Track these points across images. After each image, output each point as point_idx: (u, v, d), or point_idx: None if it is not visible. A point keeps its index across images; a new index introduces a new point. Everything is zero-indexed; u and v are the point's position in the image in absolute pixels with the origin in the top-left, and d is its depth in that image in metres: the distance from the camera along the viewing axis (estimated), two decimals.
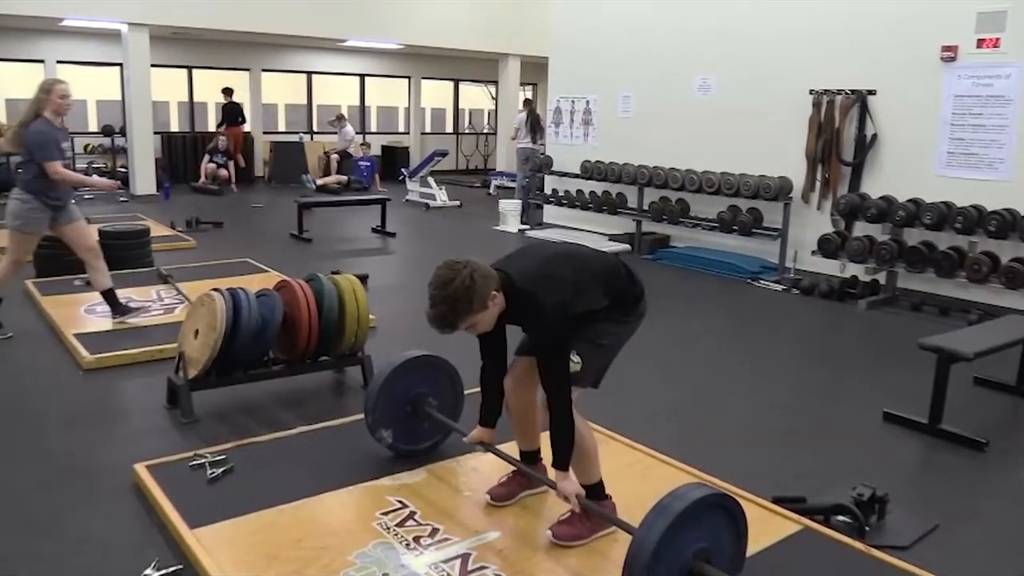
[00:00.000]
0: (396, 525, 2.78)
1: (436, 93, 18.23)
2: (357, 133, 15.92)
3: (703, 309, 6.58)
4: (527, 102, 13.78)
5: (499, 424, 2.92)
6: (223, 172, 13.16)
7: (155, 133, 12.61)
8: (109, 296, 5.18)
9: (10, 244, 4.99)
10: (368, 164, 14.08)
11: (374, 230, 9.58)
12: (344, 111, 16.86)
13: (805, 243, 7.37)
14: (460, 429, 3.14)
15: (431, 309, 2.44)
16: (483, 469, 3.22)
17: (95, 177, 5.06)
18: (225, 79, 15.32)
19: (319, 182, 13.60)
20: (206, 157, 13.08)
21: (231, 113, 13.83)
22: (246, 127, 15.35)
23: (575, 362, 2.56)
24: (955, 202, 6.30)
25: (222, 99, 13.95)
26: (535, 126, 11.65)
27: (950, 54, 6.54)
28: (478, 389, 2.92)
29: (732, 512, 2.29)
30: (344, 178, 13.70)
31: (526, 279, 2.54)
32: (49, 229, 5.03)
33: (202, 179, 12.94)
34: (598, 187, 9.47)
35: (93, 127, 14.11)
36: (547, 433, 2.72)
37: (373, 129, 17.39)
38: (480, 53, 14.95)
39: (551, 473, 2.65)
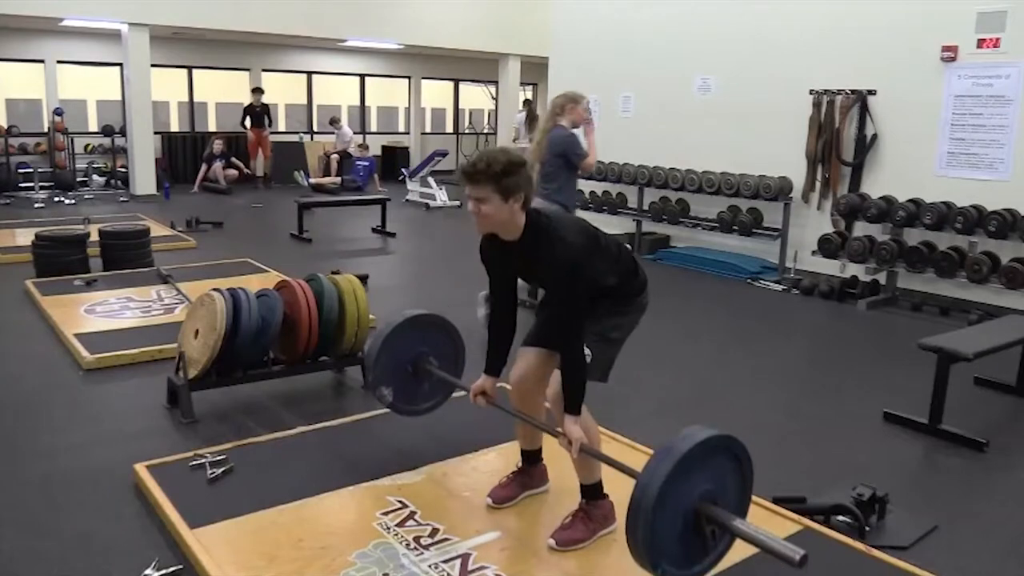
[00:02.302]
0: (396, 525, 2.78)
1: (436, 93, 18.23)
2: (356, 133, 15.93)
3: (703, 309, 6.58)
4: (527, 102, 13.81)
5: (500, 421, 2.92)
6: (231, 172, 13.18)
7: (155, 133, 12.61)
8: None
9: None
10: (366, 164, 14.08)
11: (374, 230, 9.58)
12: (344, 111, 16.89)
13: (805, 243, 7.37)
14: (461, 384, 3.12)
15: (469, 159, 2.52)
16: (483, 469, 3.22)
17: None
18: (225, 79, 15.33)
19: (313, 181, 13.61)
20: (204, 166, 12.98)
21: (257, 114, 13.56)
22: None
23: (586, 355, 2.55)
24: (955, 202, 6.30)
25: (250, 99, 13.68)
26: (534, 126, 11.65)
27: (950, 54, 6.54)
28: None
29: (738, 456, 2.23)
30: (339, 179, 13.70)
31: (548, 216, 2.57)
32: None
33: (199, 181, 12.90)
34: (598, 187, 9.46)
35: (93, 127, 14.10)
36: (547, 433, 2.72)
37: (373, 129, 17.38)
38: (480, 53, 14.95)
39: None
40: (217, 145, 13.07)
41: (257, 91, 13.64)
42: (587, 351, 2.56)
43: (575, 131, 5.12)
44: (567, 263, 2.47)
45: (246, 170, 13.53)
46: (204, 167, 12.96)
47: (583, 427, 2.61)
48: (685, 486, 2.09)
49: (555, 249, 2.48)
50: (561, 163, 5.03)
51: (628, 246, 2.80)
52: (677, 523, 2.10)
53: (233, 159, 13.26)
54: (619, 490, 2.82)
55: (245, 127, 13.62)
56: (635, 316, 2.75)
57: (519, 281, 2.84)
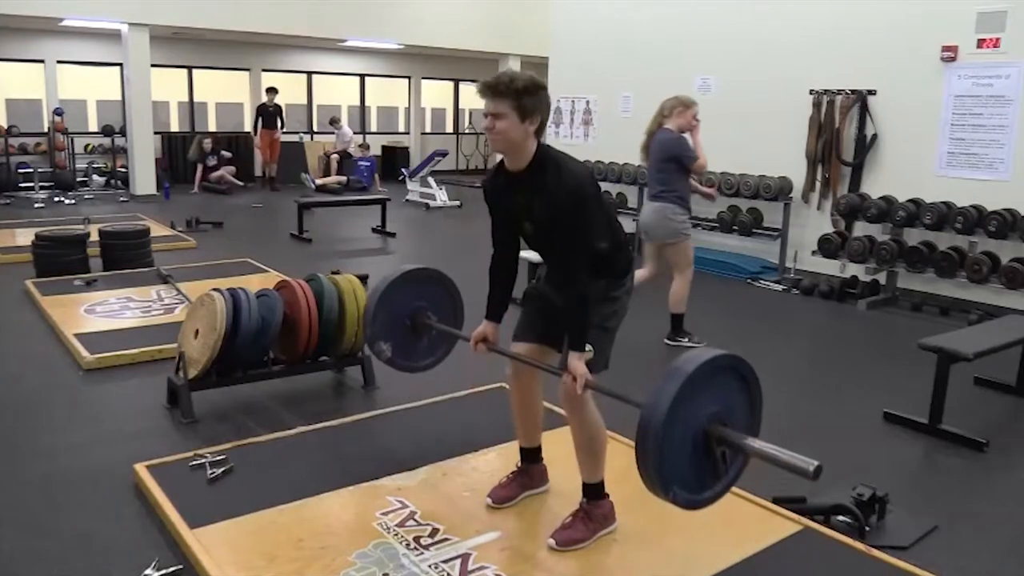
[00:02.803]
0: (396, 525, 2.78)
1: (436, 93, 18.23)
2: (356, 133, 15.93)
3: (703, 309, 6.57)
4: None
5: (500, 421, 2.92)
6: (232, 167, 13.21)
7: (155, 133, 12.61)
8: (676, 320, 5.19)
9: (678, 256, 5.15)
10: (368, 164, 14.09)
11: (374, 230, 9.58)
12: (344, 111, 16.89)
13: (805, 243, 7.37)
14: (461, 334, 3.10)
15: (492, 75, 2.50)
16: (483, 469, 3.22)
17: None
18: (225, 79, 15.33)
19: (318, 182, 13.61)
20: (200, 167, 12.95)
21: (270, 115, 13.23)
22: (247, 127, 15.39)
23: (588, 350, 2.53)
24: (955, 202, 6.30)
25: (265, 98, 13.35)
26: None
27: (950, 54, 6.53)
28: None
29: (745, 376, 2.20)
30: (343, 178, 13.71)
31: (556, 152, 2.54)
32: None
33: (198, 181, 12.90)
34: None
35: (93, 127, 14.11)
36: (549, 431, 2.71)
37: (373, 129, 17.39)
38: (480, 53, 14.95)
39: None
40: (207, 144, 13.04)
41: (271, 91, 13.28)
42: (588, 347, 2.54)
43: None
44: (574, 188, 2.43)
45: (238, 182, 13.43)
46: (200, 167, 12.96)
47: (595, 430, 2.62)
48: (693, 408, 2.05)
49: (561, 175, 2.44)
50: (673, 167, 5.04)
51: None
52: (687, 446, 2.07)
53: (223, 152, 13.23)
54: (619, 490, 2.82)
55: (256, 128, 13.33)
56: (624, 300, 2.70)
57: (513, 284, 2.82)
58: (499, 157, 2.61)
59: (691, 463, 2.10)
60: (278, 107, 13.32)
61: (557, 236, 2.51)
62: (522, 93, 2.42)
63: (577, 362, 2.48)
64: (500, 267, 2.80)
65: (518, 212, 2.60)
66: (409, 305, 3.16)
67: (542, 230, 2.58)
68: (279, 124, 13.35)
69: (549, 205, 2.47)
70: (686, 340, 5.11)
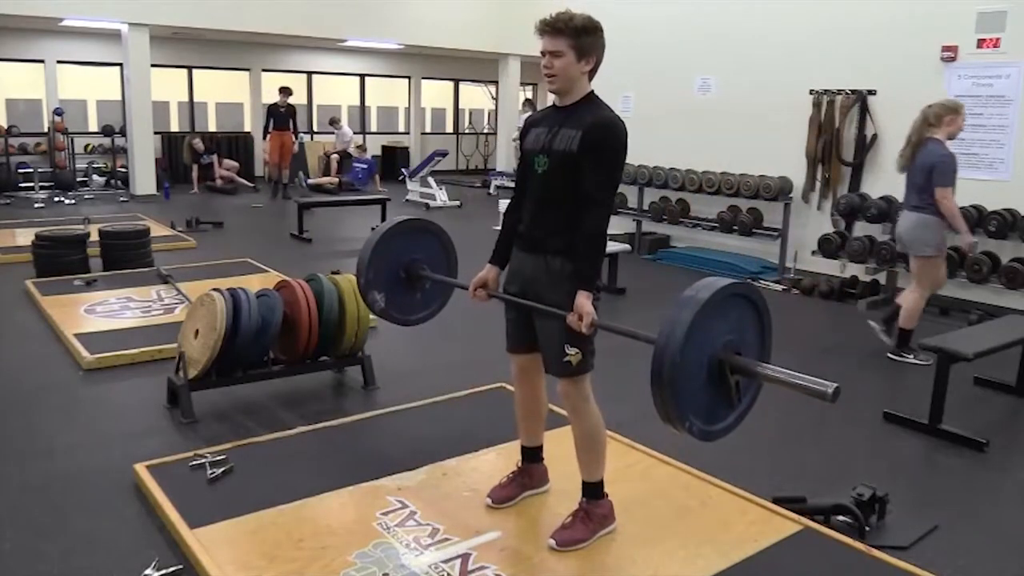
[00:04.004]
0: (396, 525, 2.78)
1: (436, 93, 18.23)
2: (356, 133, 15.93)
3: None
4: (529, 102, 13.79)
5: (500, 421, 2.92)
6: (232, 163, 13.19)
7: (155, 133, 12.61)
8: (903, 334, 5.01)
9: (923, 271, 4.93)
10: (364, 166, 14.05)
11: (374, 230, 9.56)
12: (344, 111, 16.89)
13: (805, 243, 7.37)
14: (458, 282, 3.08)
15: (550, 14, 2.51)
16: (483, 469, 3.22)
17: (963, 223, 4.90)
18: (225, 79, 15.33)
19: (311, 181, 13.61)
20: (195, 167, 12.94)
21: (282, 116, 12.14)
22: (247, 127, 15.38)
23: (574, 353, 2.54)
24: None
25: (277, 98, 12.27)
26: None
27: (950, 54, 6.53)
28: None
29: (756, 304, 2.19)
30: (336, 179, 13.70)
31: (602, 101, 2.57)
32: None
33: (197, 181, 12.91)
34: None
35: (93, 127, 14.11)
36: (551, 430, 2.71)
37: (373, 129, 17.39)
38: (480, 53, 14.95)
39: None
40: (197, 144, 13.01)
41: (285, 91, 12.20)
42: (572, 350, 2.53)
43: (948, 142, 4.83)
44: (610, 124, 2.46)
45: (226, 173, 13.31)
46: (196, 168, 12.96)
47: (596, 430, 2.62)
48: (707, 336, 2.04)
49: (603, 112, 2.49)
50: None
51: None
52: (701, 374, 2.06)
53: (215, 156, 13.21)
54: (619, 490, 2.82)
55: (265, 130, 12.24)
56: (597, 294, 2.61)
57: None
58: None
59: (706, 392, 2.08)
60: (291, 108, 12.24)
61: (585, 168, 2.46)
62: (581, 32, 2.46)
63: (584, 300, 2.45)
64: (517, 212, 2.74)
65: (549, 140, 2.55)
66: (404, 256, 3.12)
67: (566, 160, 2.50)
68: (292, 126, 12.23)
69: (585, 137, 2.45)
70: (911, 357, 4.95)
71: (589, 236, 2.49)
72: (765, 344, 2.23)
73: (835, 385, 1.96)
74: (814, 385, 2.00)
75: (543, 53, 2.50)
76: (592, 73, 2.54)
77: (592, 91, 2.57)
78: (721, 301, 2.06)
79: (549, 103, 2.74)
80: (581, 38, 2.46)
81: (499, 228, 2.83)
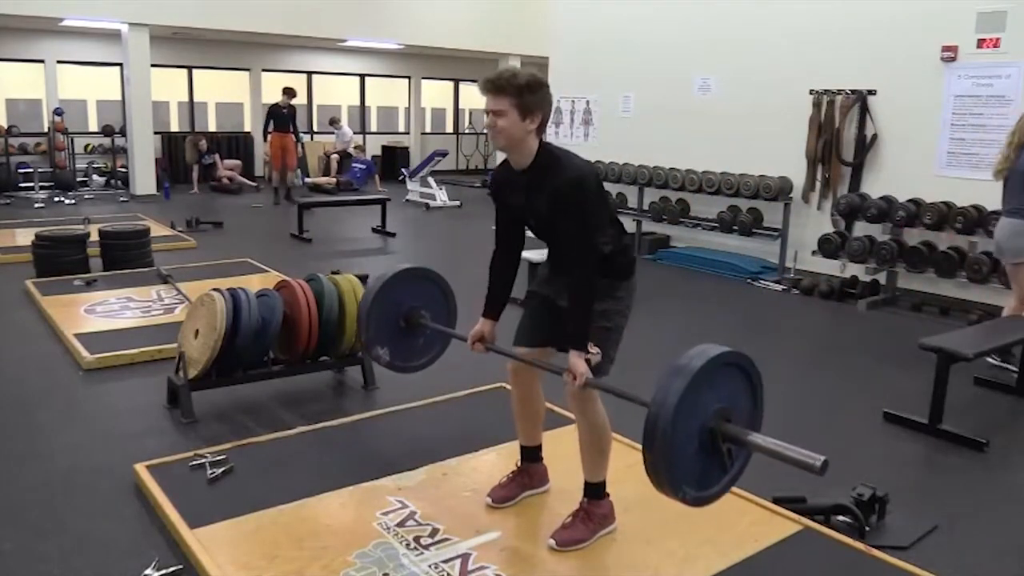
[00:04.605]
0: (396, 525, 2.78)
1: (436, 93, 18.23)
2: (356, 133, 15.93)
3: (703, 309, 6.58)
4: None
5: (500, 421, 2.92)
6: (235, 162, 13.20)
7: (155, 133, 12.61)
8: None
9: (1020, 279, 4.81)
10: (363, 167, 14.05)
11: (374, 230, 9.58)
12: (344, 111, 16.89)
13: (805, 243, 7.37)
14: (457, 334, 3.10)
15: (493, 71, 2.48)
16: (483, 469, 3.22)
17: None
18: (225, 79, 15.33)
19: (310, 180, 13.61)
20: (196, 167, 12.97)
21: (283, 117, 11.65)
22: (247, 127, 15.36)
23: (594, 353, 2.52)
24: (955, 202, 6.29)
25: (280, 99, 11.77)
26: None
27: (950, 54, 6.53)
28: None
29: (747, 371, 2.21)
30: (334, 180, 13.71)
31: (559, 148, 2.56)
32: None
33: (197, 181, 12.91)
34: None
35: (93, 127, 14.11)
36: (550, 431, 2.71)
37: (373, 129, 17.39)
38: (480, 53, 14.95)
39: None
40: (201, 144, 13.03)
41: (289, 91, 11.69)
42: (593, 348, 2.53)
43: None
44: (576, 180, 2.44)
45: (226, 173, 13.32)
46: (197, 167, 12.96)
47: (602, 431, 2.61)
48: (699, 404, 2.06)
49: (564, 169, 2.46)
50: None
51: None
52: (693, 443, 2.07)
53: (217, 156, 13.21)
54: (620, 490, 2.82)
55: (266, 131, 11.78)
56: (627, 300, 2.67)
57: (523, 229, 2.79)
58: (502, 155, 2.61)
59: (698, 460, 2.10)
60: (293, 109, 11.74)
61: (561, 229, 2.51)
62: (524, 90, 2.42)
63: (577, 359, 2.47)
64: (501, 264, 2.80)
65: (523, 208, 2.61)
66: (402, 305, 3.14)
67: (547, 224, 2.59)
68: (292, 128, 11.75)
69: (552, 199, 2.47)
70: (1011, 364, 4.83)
71: (575, 297, 2.49)
72: (757, 409, 2.25)
73: (823, 458, 1.98)
74: (803, 457, 2.02)
75: (486, 111, 2.49)
76: (540, 129, 2.49)
77: (544, 144, 2.52)
78: (712, 369, 2.09)
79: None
80: (524, 96, 2.42)
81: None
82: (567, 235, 2.49)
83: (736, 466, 2.19)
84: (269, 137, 11.77)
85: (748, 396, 2.22)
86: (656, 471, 2.05)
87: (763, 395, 2.25)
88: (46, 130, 12.84)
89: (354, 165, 14.10)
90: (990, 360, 4.85)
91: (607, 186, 9.27)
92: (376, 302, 3.07)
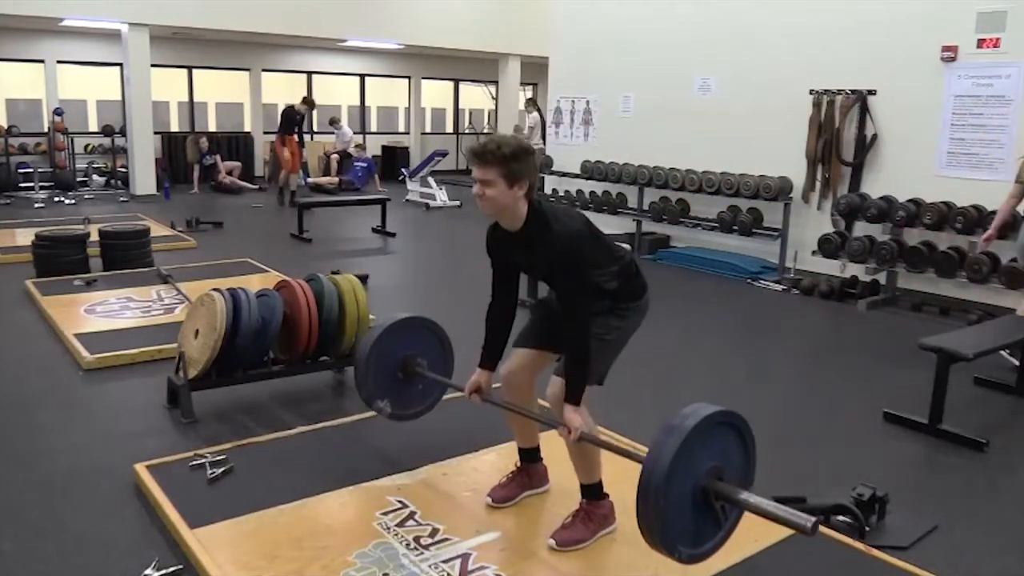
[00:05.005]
0: (396, 525, 2.78)
1: (436, 93, 18.23)
2: (356, 133, 15.93)
3: (703, 309, 6.58)
4: (531, 102, 13.77)
5: (500, 421, 2.92)
6: (234, 164, 13.20)
7: (155, 133, 12.61)
8: None
9: None
10: (364, 165, 14.07)
11: (374, 230, 9.58)
12: (344, 111, 16.89)
13: (805, 243, 7.37)
14: (453, 384, 3.12)
15: (479, 141, 2.51)
16: (483, 469, 3.23)
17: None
18: (225, 79, 15.33)
19: (311, 180, 13.62)
20: (197, 167, 12.97)
21: (295, 122, 11.37)
22: (247, 127, 15.35)
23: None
24: (955, 202, 6.29)
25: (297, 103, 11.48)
26: (543, 126, 11.66)
27: (950, 54, 6.53)
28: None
29: (739, 429, 2.24)
30: (336, 179, 13.72)
31: (549, 207, 2.61)
32: None
33: (197, 181, 12.91)
34: (598, 187, 9.46)
35: (93, 127, 14.11)
36: (546, 431, 2.71)
37: (373, 129, 17.39)
38: (480, 53, 14.96)
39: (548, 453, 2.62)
40: (203, 143, 13.03)
41: (308, 102, 11.51)
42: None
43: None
44: (568, 248, 2.48)
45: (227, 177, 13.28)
46: (197, 167, 12.96)
47: (584, 430, 2.61)
48: (691, 464, 2.08)
49: (556, 236, 2.49)
50: None
51: (628, 246, 2.79)
52: (687, 502, 2.09)
53: (218, 157, 13.22)
54: (620, 490, 2.82)
55: (285, 134, 11.31)
56: (635, 319, 2.73)
57: (519, 279, 2.84)
58: None
59: (692, 518, 2.13)
60: (302, 117, 11.52)
61: (559, 285, 2.60)
62: (510, 159, 2.45)
63: (572, 415, 2.51)
64: (498, 314, 2.82)
65: (523, 264, 2.71)
66: (398, 355, 3.18)
67: (547, 277, 2.68)
68: (299, 133, 11.56)
69: (546, 259, 2.54)
70: None
71: (571, 352, 2.54)
72: (749, 467, 2.28)
73: (814, 519, 2.01)
74: (794, 518, 2.04)
75: (475, 180, 2.51)
76: (529, 193, 2.52)
77: (532, 206, 2.55)
78: (706, 429, 2.11)
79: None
80: (511, 165, 2.44)
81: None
82: (566, 291, 2.56)
83: (729, 523, 2.21)
84: (286, 140, 11.27)
85: (740, 453, 2.25)
86: (650, 530, 2.07)
87: (755, 451, 2.28)
88: (46, 130, 12.84)
89: (356, 164, 14.11)
90: (1011, 360, 4.82)
91: (607, 186, 9.38)
92: (370, 359, 3.11)
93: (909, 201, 6.56)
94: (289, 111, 11.45)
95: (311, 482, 3.05)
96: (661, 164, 8.66)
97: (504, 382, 2.85)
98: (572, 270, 2.50)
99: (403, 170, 14.03)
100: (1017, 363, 4.74)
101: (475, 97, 18.93)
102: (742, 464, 2.24)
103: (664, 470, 2.01)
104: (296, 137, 11.46)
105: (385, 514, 2.85)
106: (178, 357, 3.83)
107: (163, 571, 2.50)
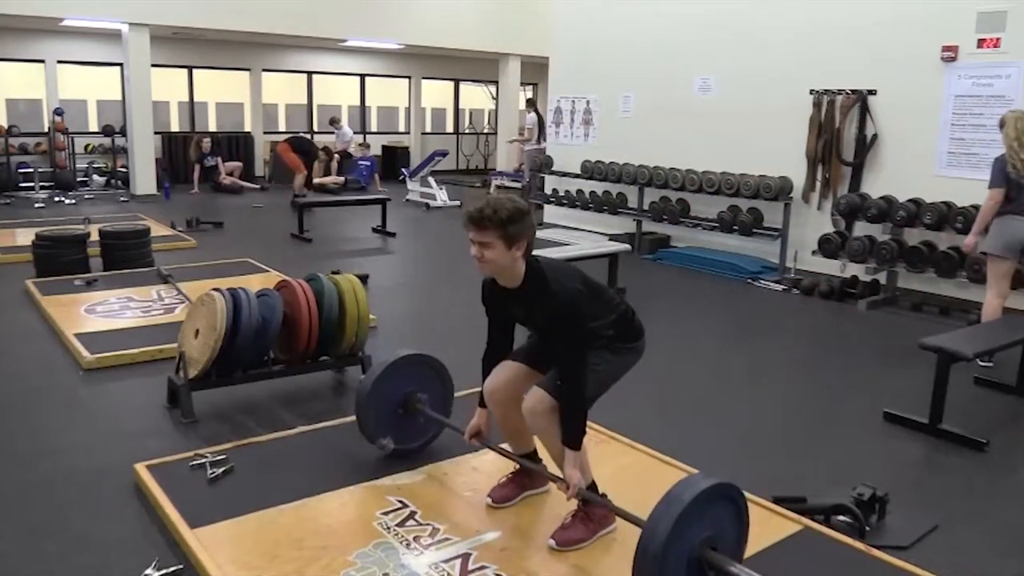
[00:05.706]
0: (396, 525, 2.78)
1: (436, 93, 18.23)
2: (356, 133, 15.93)
3: (703, 309, 6.58)
4: (531, 102, 13.77)
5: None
6: (235, 164, 13.19)
7: (155, 133, 12.61)
8: None
9: None
10: (367, 164, 14.10)
11: (374, 230, 9.58)
12: (344, 111, 16.89)
13: (805, 243, 7.37)
14: (455, 426, 3.14)
15: (475, 205, 2.53)
16: (483, 469, 3.22)
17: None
18: (225, 79, 15.33)
19: (316, 181, 13.61)
20: (197, 167, 12.97)
21: (304, 152, 11.87)
22: (247, 127, 15.35)
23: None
24: (955, 202, 6.29)
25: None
26: (542, 127, 11.65)
27: (950, 54, 6.53)
28: (470, 391, 2.91)
29: (736, 501, 2.30)
30: (341, 179, 13.72)
31: (546, 264, 2.63)
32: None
33: (197, 181, 12.91)
34: (598, 187, 9.47)
35: (93, 127, 14.11)
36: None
37: (373, 129, 17.39)
38: (480, 53, 14.95)
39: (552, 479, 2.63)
40: (205, 143, 13.03)
41: (327, 152, 13.35)
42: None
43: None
44: (568, 312, 2.52)
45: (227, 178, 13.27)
46: (198, 167, 12.96)
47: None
48: (687, 534, 2.14)
49: (554, 296, 2.53)
50: None
51: (622, 292, 2.81)
52: (682, 569, 2.15)
53: (219, 158, 13.22)
54: (619, 491, 2.82)
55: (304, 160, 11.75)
56: (628, 358, 2.76)
57: (515, 328, 2.86)
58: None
59: None
60: (316, 156, 12.52)
61: (556, 342, 2.63)
62: (507, 223, 2.47)
63: (571, 470, 2.55)
64: (494, 361, 2.85)
65: (521, 318, 2.74)
66: (398, 394, 3.22)
67: (541, 331, 2.73)
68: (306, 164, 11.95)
69: (545, 317, 2.59)
70: None
71: (569, 405, 2.57)
72: (742, 536, 2.34)
73: None
74: None
75: (472, 242, 2.54)
76: (527, 253, 2.56)
77: (529, 265, 2.58)
78: (704, 500, 2.18)
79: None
80: (508, 228, 2.47)
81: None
82: (564, 349, 2.58)
83: None
84: (288, 146, 11.67)
85: (735, 523, 2.31)
86: None
87: (748, 520, 2.34)
88: (46, 130, 12.84)
89: (359, 163, 14.12)
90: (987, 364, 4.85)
91: (607, 186, 9.38)
92: (370, 400, 3.14)
93: (909, 201, 6.56)
94: (308, 144, 12.07)
95: (311, 482, 3.05)
96: (661, 164, 8.66)
97: (489, 405, 2.86)
98: (572, 328, 2.54)
99: (403, 170, 14.03)
100: (991, 365, 4.78)
101: (475, 97, 18.93)
102: (735, 535, 2.32)
103: (661, 540, 2.07)
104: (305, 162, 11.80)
105: (385, 514, 2.85)
106: (178, 357, 3.83)
107: (163, 571, 2.50)
